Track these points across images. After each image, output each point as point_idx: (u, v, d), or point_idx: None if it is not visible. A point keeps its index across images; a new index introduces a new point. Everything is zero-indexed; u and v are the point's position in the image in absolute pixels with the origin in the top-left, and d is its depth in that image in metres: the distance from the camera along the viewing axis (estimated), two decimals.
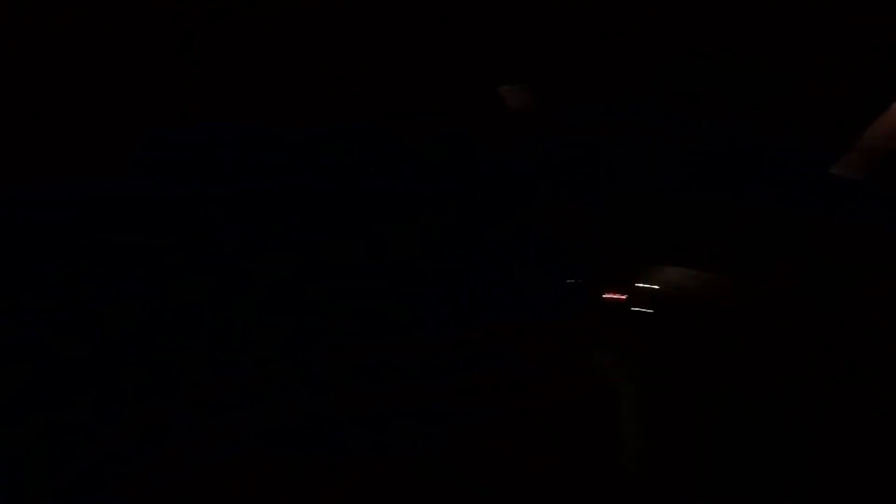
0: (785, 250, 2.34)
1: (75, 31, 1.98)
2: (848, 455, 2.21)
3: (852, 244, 2.29)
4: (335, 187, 2.47)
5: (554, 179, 2.39)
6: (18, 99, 2.23)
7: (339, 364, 2.01)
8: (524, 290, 2.43)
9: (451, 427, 2.19)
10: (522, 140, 2.39)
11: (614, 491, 1.55)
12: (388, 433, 2.20)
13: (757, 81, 2.26)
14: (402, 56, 2.08)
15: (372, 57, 2.05)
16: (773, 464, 2.23)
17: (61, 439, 2.18)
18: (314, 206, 2.55)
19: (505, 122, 2.38)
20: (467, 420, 2.20)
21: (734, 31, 2.17)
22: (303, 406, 1.92)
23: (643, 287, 2.57)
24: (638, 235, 2.45)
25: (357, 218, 2.47)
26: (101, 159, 2.10)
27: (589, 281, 2.47)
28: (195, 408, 2.28)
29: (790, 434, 2.26)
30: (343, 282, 2.58)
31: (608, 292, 2.53)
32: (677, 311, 2.63)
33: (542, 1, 2.03)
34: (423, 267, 2.43)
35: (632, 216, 2.41)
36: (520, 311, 2.39)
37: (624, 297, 2.55)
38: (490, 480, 2.09)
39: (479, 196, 2.49)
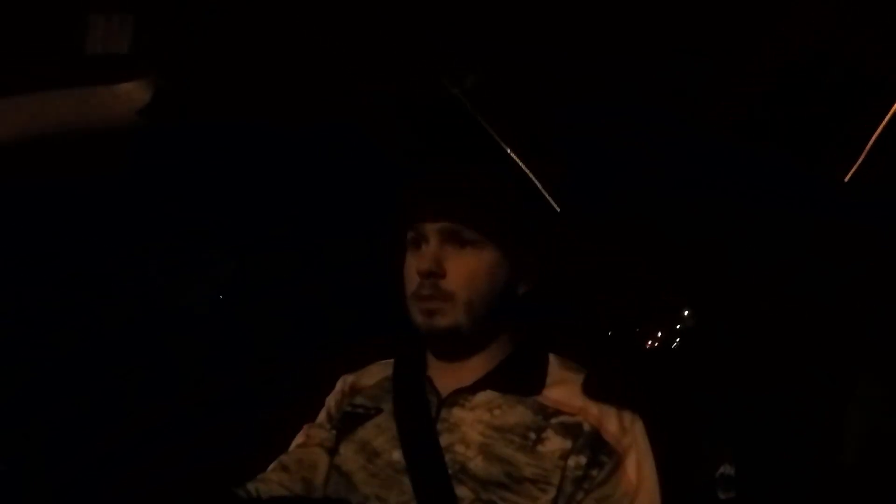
0: (785, 250, 2.34)
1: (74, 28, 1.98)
2: (848, 454, 2.21)
3: (852, 244, 2.29)
4: (335, 187, 2.47)
5: (552, 179, 2.39)
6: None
7: (338, 363, 2.00)
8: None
9: None
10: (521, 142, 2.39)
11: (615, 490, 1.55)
12: None
13: (755, 81, 2.26)
14: (399, 56, 2.07)
15: (370, 57, 2.05)
16: (772, 463, 2.23)
17: (61, 439, 2.18)
18: (314, 206, 2.54)
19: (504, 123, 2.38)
20: None
21: (731, 31, 2.17)
22: (301, 406, 1.91)
23: (643, 287, 2.57)
24: (638, 236, 2.45)
25: (357, 217, 2.47)
26: (101, 159, 2.10)
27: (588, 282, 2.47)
28: (195, 408, 2.28)
29: (790, 434, 2.26)
30: (343, 281, 2.58)
31: (608, 292, 2.53)
32: (677, 311, 2.63)
33: (542, 1, 2.03)
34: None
35: (632, 216, 2.41)
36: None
37: (624, 296, 2.55)
38: None
39: None
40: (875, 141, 2.14)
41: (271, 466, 1.73)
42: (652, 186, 2.33)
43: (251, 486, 1.65)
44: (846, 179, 2.17)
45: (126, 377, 2.30)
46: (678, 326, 2.60)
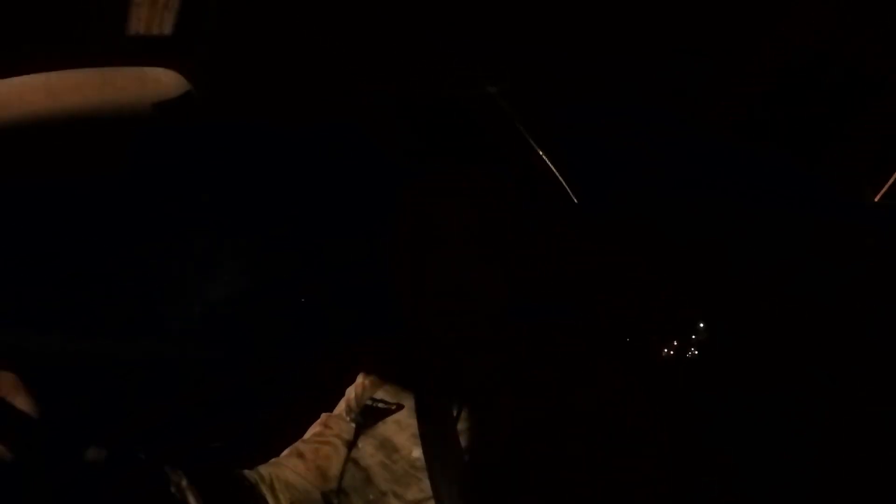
0: (785, 250, 2.34)
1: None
2: (848, 454, 2.21)
3: (852, 244, 2.29)
4: (335, 187, 2.47)
5: (553, 179, 2.39)
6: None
7: (337, 363, 2.00)
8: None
9: None
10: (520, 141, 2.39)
11: (616, 490, 1.55)
12: None
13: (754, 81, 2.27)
14: (400, 56, 2.07)
15: (370, 57, 2.05)
16: (773, 463, 2.23)
17: (61, 438, 2.18)
18: (314, 206, 2.54)
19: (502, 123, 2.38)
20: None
21: (731, 31, 2.17)
22: (302, 406, 1.91)
23: (643, 288, 2.57)
24: (638, 236, 2.45)
25: (357, 217, 2.47)
26: (101, 159, 2.10)
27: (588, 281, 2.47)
28: (195, 408, 2.28)
29: (790, 434, 2.26)
30: (343, 281, 2.58)
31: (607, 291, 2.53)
32: (676, 312, 2.62)
33: (542, 1, 2.04)
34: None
35: (632, 216, 2.41)
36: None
37: (625, 296, 2.55)
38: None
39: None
40: (875, 140, 2.15)
41: (286, 452, 1.72)
42: (652, 186, 2.33)
43: (264, 470, 1.64)
44: (877, 199, 2.17)
45: (126, 377, 2.29)
46: (693, 337, 2.60)
